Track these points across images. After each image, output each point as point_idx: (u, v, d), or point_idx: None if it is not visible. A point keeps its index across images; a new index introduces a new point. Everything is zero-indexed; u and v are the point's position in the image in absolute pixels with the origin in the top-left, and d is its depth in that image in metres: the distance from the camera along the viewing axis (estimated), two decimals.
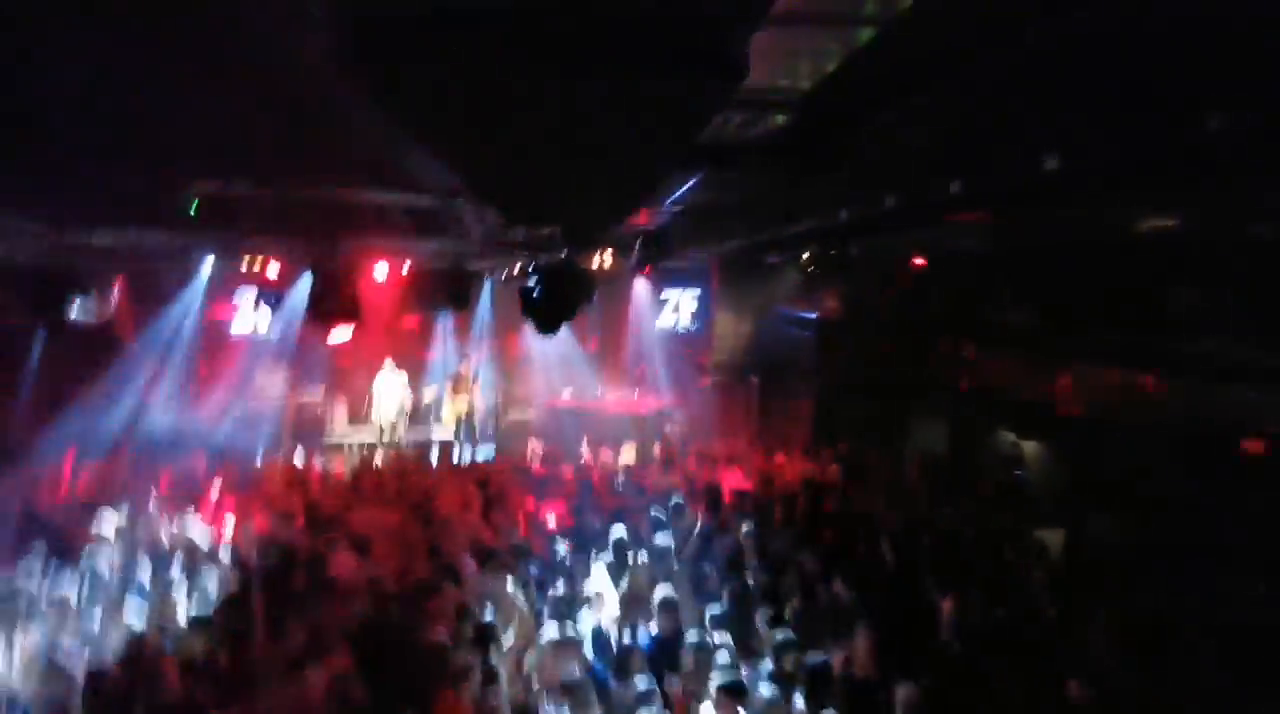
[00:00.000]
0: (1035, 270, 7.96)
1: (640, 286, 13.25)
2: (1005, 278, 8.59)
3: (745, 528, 7.21)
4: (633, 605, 5.83)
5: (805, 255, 10.39)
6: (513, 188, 3.66)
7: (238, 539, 7.37)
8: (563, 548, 7.02)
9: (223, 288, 11.60)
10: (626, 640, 5.49)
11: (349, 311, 9.18)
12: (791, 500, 8.31)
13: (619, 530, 7.09)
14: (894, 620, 5.35)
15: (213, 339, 12.13)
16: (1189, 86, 2.87)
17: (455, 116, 2.30)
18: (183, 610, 5.99)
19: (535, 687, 4.89)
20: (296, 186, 6.31)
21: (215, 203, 6.24)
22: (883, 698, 4.61)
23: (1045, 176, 3.81)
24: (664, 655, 5.16)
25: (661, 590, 5.75)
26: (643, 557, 6.68)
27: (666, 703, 4.61)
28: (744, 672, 4.78)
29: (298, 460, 10.76)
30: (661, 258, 9.78)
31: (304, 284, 9.67)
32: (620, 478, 9.54)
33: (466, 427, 12.57)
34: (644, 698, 4.45)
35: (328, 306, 8.92)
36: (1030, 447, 9.33)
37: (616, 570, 6.46)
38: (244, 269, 10.35)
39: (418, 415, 12.92)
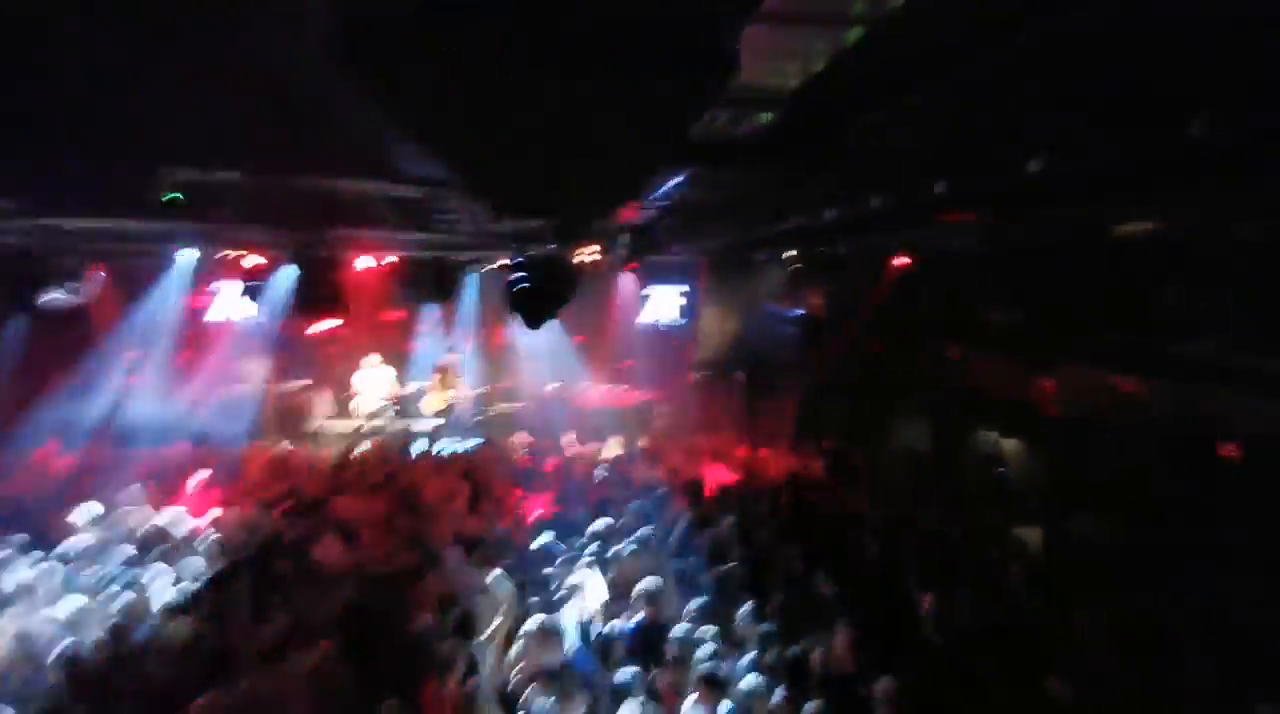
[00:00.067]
0: (1022, 271, 8.00)
1: (627, 281, 13.23)
2: (992, 278, 8.64)
3: (729, 521, 7.24)
4: (616, 597, 5.86)
5: (793, 253, 10.43)
6: (502, 182, 3.64)
7: (219, 526, 7.32)
8: (548, 539, 7.03)
9: (205, 276, 11.48)
10: (609, 631, 5.51)
11: (334, 303, 9.14)
12: (775, 495, 8.36)
13: (603, 522, 7.12)
14: (876, 615, 5.41)
15: (194, 327, 12.01)
16: (1177, 88, 2.91)
17: (446, 112, 2.29)
18: (162, 598, 5.94)
19: (519, 676, 4.91)
20: (281, 175, 6.26)
21: (197, 190, 6.18)
22: (863, 691, 4.67)
23: (1032, 178, 3.85)
24: (647, 646, 5.19)
25: (645, 582, 5.78)
26: (627, 549, 6.71)
27: (652, 693, 4.64)
28: (726, 664, 4.82)
29: (280, 448, 10.69)
30: (649, 253, 9.79)
31: (287, 273, 9.61)
32: (606, 471, 9.55)
33: (452, 418, 12.54)
34: (628, 687, 4.48)
35: (313, 298, 8.88)
36: (1011, 445, 9.42)
37: (601, 562, 6.48)
38: (227, 257, 10.25)
39: (402, 406, 12.86)
